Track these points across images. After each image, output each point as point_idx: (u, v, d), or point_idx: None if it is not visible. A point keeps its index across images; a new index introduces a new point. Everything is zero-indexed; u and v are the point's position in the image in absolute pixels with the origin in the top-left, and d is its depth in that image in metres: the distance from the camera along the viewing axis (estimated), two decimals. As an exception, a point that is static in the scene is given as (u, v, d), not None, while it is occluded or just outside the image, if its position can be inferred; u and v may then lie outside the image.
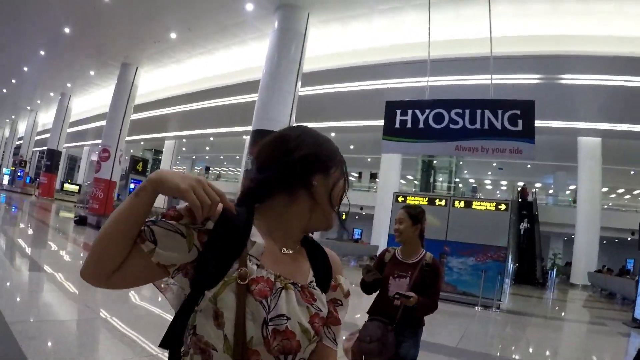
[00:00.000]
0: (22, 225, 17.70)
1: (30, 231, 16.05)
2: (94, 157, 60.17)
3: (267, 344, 1.09)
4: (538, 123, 18.21)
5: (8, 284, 7.52)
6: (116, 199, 26.22)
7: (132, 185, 19.90)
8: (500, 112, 10.60)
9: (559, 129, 21.46)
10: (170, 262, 1.13)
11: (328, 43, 19.27)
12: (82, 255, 12.51)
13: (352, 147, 34.73)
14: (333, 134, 27.24)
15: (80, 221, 19.86)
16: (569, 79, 17.34)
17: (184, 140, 43.61)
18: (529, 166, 31.79)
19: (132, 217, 1.09)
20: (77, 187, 49.15)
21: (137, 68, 26.05)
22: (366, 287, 3.62)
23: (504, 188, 40.79)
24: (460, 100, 11.32)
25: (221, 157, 51.50)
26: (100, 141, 45.84)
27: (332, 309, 1.28)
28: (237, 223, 1.19)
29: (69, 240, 15.10)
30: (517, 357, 8.11)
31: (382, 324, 3.40)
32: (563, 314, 15.33)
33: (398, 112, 11.52)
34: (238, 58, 22.98)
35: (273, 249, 1.24)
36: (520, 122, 10.48)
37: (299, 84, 15.94)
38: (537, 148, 20.71)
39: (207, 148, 47.00)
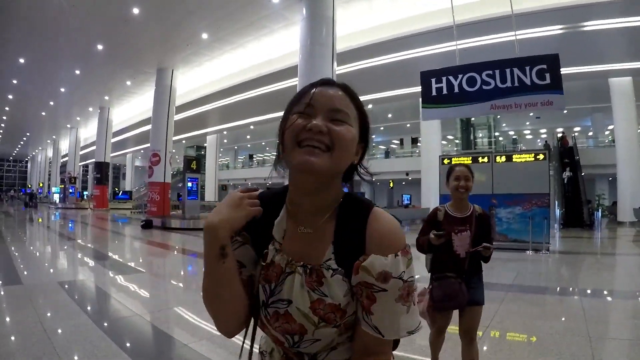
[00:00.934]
0: (99, 236, 18.49)
1: (109, 240, 16.94)
2: (138, 163, 62.01)
3: (269, 323, 1.17)
4: (567, 70, 19.31)
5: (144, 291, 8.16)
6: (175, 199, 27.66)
7: (189, 184, 21.00)
8: (527, 68, 11.60)
9: (589, 73, 22.02)
10: (253, 266, 1.25)
11: (357, 21, 20.42)
12: (165, 253, 13.76)
13: (390, 115, 35.78)
14: (370, 106, 28.47)
15: (147, 225, 20.76)
16: (592, 25, 18.03)
17: (224, 132, 44.64)
18: (565, 112, 31.68)
19: (223, 282, 1.13)
20: (129, 194, 50.77)
21: (172, 71, 27.20)
22: (430, 248, 3.65)
23: (544, 136, 40.68)
24: (489, 62, 12.24)
25: (263, 144, 52.34)
26: (142, 147, 47.90)
27: (363, 295, 1.13)
28: (269, 208, 1.25)
29: (148, 243, 15.82)
30: (566, 287, 8.95)
31: (453, 279, 3.56)
32: (608, 249, 16.01)
33: (433, 80, 12.58)
34: (269, 48, 24.10)
35: (293, 229, 1.24)
36: (547, 75, 11.50)
37: (335, 64, 16.96)
38: (570, 93, 21.76)
39: (248, 137, 47.85)
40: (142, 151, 55.20)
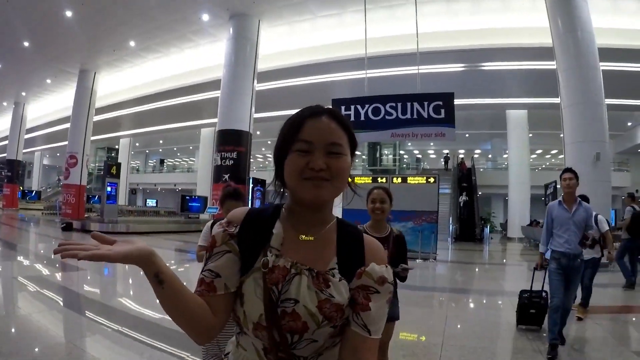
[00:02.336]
0: (20, 237, 18.55)
1: (32, 243, 16.97)
2: (47, 161, 60.21)
3: (277, 323, 1.21)
4: (469, 101, 21.80)
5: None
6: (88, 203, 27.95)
7: (108, 188, 21.54)
8: (426, 103, 13.59)
9: (488, 104, 24.95)
10: (238, 281, 1.27)
11: (278, 44, 22.14)
12: None
13: None
14: (282, 121, 29.69)
15: (67, 227, 20.91)
16: (490, 65, 20.91)
17: (137, 137, 44.44)
18: (467, 135, 34.93)
19: (172, 303, 1.17)
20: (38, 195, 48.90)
21: (95, 74, 27.70)
22: None
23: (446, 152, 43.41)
24: (393, 95, 14.21)
25: (175, 149, 52.05)
26: (53, 145, 46.87)
27: (360, 295, 1.25)
28: (259, 220, 1.34)
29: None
30: (440, 286, 11.20)
31: None
32: (485, 259, 18.57)
33: (343, 107, 14.29)
34: (192, 60, 25.45)
35: (294, 237, 1.32)
36: (442, 110, 13.53)
37: (255, 82, 18.58)
38: (472, 119, 24.64)
39: (161, 141, 47.62)
40: (49, 151, 53.70)
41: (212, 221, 3.89)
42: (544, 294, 6.23)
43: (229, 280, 1.26)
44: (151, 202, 45.93)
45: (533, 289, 6.38)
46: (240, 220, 1.34)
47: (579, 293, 6.86)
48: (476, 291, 10.55)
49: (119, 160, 41.57)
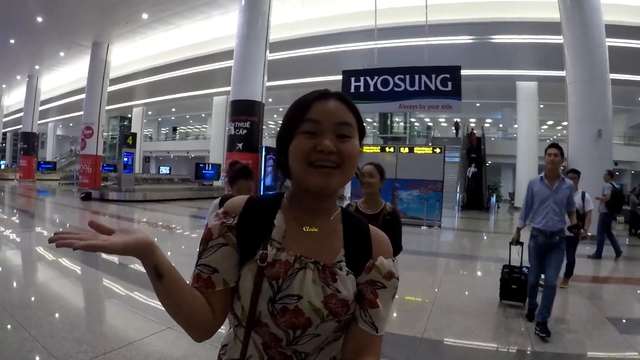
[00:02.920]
0: (44, 209, 18.65)
1: (57, 214, 17.01)
2: (60, 132, 60.90)
3: (274, 319, 1.16)
4: (478, 72, 22.17)
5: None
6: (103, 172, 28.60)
7: (125, 158, 22.08)
8: (433, 76, 14.06)
9: (498, 75, 25.27)
10: (236, 275, 1.22)
11: (290, 14, 22.75)
12: (128, 224, 14.81)
13: None
14: (293, 89, 30.38)
15: (86, 197, 21.11)
16: (499, 38, 21.32)
17: (150, 105, 44.82)
18: (477, 105, 35.57)
19: (170, 298, 1.13)
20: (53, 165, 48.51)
21: (108, 46, 28.18)
22: None
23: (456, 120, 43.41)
24: (401, 67, 14.67)
25: (187, 117, 52.60)
26: (66, 116, 47.45)
27: (368, 291, 1.23)
28: (259, 211, 1.28)
29: (102, 214, 16.24)
30: (445, 251, 11.63)
31: None
32: (490, 227, 19.33)
33: (353, 79, 14.86)
34: (204, 31, 26.02)
35: (296, 228, 1.27)
36: (449, 83, 14.00)
37: (267, 52, 18.94)
38: (483, 89, 25.06)
39: (174, 109, 48.06)
40: (62, 121, 54.22)
41: (220, 198, 3.71)
42: (524, 269, 6.26)
43: (227, 275, 1.22)
44: (164, 170, 46.81)
45: (516, 264, 6.46)
46: (239, 211, 1.28)
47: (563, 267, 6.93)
48: (474, 257, 11.20)
49: (132, 129, 42.17)
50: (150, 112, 46.26)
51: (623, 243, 14.34)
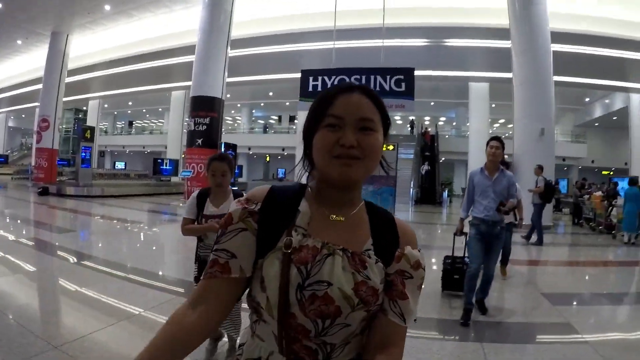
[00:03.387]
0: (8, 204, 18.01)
1: (15, 210, 16.36)
2: (12, 123, 59.30)
3: (303, 308, 1.14)
4: (434, 72, 23.12)
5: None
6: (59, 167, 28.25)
7: (83, 153, 21.94)
8: (388, 77, 14.71)
9: (452, 77, 26.22)
10: (252, 263, 1.21)
11: (252, 11, 23.30)
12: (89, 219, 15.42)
13: (270, 93, 38.21)
14: (252, 85, 31.47)
15: (44, 192, 20.87)
16: (453, 42, 22.69)
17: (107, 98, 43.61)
18: (432, 103, 37.46)
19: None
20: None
21: (67, 36, 27.84)
22: None
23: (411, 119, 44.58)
24: (357, 68, 15.35)
25: (144, 111, 52.14)
26: (19, 107, 46.43)
27: (398, 281, 1.23)
28: (283, 199, 1.28)
29: (62, 210, 16.15)
30: None
31: None
32: (440, 219, 20.41)
33: (310, 78, 15.41)
34: (164, 25, 26.37)
35: (323, 217, 1.27)
36: (403, 84, 14.67)
37: (229, 49, 19.47)
38: (438, 89, 26.21)
39: (130, 103, 47.33)
40: (14, 112, 52.81)
41: (197, 192, 3.82)
42: (466, 259, 6.35)
43: (244, 262, 1.21)
44: (120, 165, 45.79)
45: (458, 255, 6.64)
46: (262, 198, 1.28)
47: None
48: (423, 248, 12.03)
49: (87, 122, 40.80)
50: (106, 105, 44.98)
51: (567, 232, 16.50)
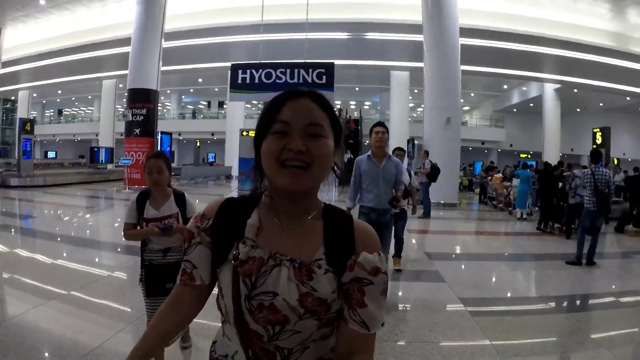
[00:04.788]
0: None
1: None
2: None
3: (253, 315, 1.17)
4: (357, 62, 25.05)
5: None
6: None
7: (24, 144, 22.32)
8: (310, 70, 16.17)
9: (374, 66, 28.18)
10: (210, 274, 1.30)
11: (185, 4, 24.79)
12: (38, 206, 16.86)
13: (200, 80, 39.23)
14: (183, 74, 33.06)
15: None
16: (372, 36, 24.95)
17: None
18: (357, 89, 39.98)
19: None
20: None
21: (0, 29, 28.49)
22: None
23: (337, 107, 45.94)
24: (283, 62, 16.90)
25: (73, 99, 51.00)
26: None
27: (354, 290, 1.21)
28: (235, 211, 1.31)
29: (12, 200, 16.64)
30: None
31: None
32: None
33: (240, 71, 16.68)
34: (97, 18, 27.38)
35: (274, 226, 1.28)
36: (324, 77, 16.10)
37: (163, 41, 20.78)
38: (362, 76, 30.01)
39: (60, 91, 46.45)
40: None
41: (137, 194, 3.67)
42: None
43: (202, 272, 1.29)
44: (51, 154, 45.02)
45: None
46: (214, 213, 1.32)
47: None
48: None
49: (18, 113, 41.82)
50: (35, 95, 44.99)
51: (470, 209, 19.12)
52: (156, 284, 3.41)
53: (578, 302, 6.44)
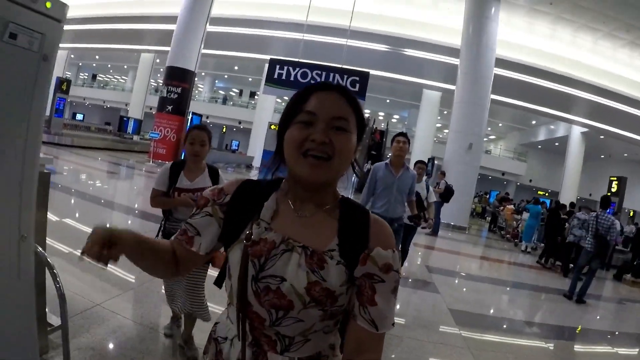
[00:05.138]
0: None
1: None
2: None
3: (258, 297, 1.19)
4: (392, 75, 25.50)
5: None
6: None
7: (57, 103, 22.72)
8: (346, 76, 16.51)
9: (407, 81, 28.54)
10: (211, 246, 1.33)
11: None
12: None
13: (236, 67, 39.80)
14: (220, 59, 34.06)
15: None
16: (410, 52, 25.49)
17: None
18: (388, 101, 40.20)
19: (142, 265, 1.30)
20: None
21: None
22: None
23: (366, 115, 46.04)
24: (320, 65, 17.45)
25: (109, 66, 51.52)
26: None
27: (366, 286, 1.21)
28: (253, 192, 1.33)
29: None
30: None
31: None
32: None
33: (277, 66, 17.07)
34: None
35: (290, 212, 1.29)
36: (357, 85, 16.37)
37: (207, 26, 21.34)
38: (395, 88, 29.91)
39: (97, 57, 46.76)
40: None
41: (170, 163, 3.70)
42: None
43: (203, 242, 1.32)
44: (79, 116, 45.84)
45: None
46: (233, 191, 1.33)
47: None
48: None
49: (53, 72, 41.78)
50: (72, 56, 45.20)
51: (478, 235, 19.70)
52: None
53: (553, 331, 6.87)
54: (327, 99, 1.24)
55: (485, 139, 47.62)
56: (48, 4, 2.17)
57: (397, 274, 1.24)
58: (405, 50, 25.26)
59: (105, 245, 1.12)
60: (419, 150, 28.92)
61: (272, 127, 18.43)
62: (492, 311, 7.26)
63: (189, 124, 19.99)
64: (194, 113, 21.01)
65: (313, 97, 1.24)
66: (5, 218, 2.22)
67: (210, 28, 22.77)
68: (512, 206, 20.62)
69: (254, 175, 26.51)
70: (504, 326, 6.50)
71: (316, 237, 1.25)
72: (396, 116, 46.88)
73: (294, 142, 1.21)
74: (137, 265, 1.27)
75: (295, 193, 1.31)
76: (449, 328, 5.68)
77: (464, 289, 8.43)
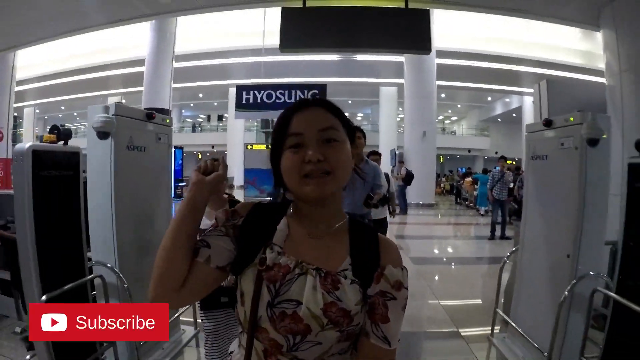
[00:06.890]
0: None
1: None
2: None
3: (274, 323, 1.20)
4: (350, 79, 27.97)
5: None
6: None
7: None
8: (306, 90, 18.37)
9: (365, 82, 30.91)
10: (224, 261, 1.31)
11: (193, 30, 26.84)
12: None
13: (201, 95, 41.89)
14: (188, 90, 35.68)
15: None
16: (360, 57, 27.43)
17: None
18: (350, 102, 42.00)
19: (182, 228, 1.30)
20: None
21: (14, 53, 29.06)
22: None
23: None
24: (282, 84, 19.79)
25: (75, 114, 51.95)
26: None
27: (379, 303, 1.25)
28: (265, 216, 1.37)
29: None
30: None
31: None
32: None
33: (244, 93, 18.88)
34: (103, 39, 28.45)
35: (301, 235, 1.34)
36: (318, 96, 17.97)
37: (174, 63, 22.87)
38: (355, 90, 34.26)
39: (63, 107, 47.61)
40: None
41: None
42: None
43: (214, 252, 1.30)
44: None
45: None
46: (246, 213, 1.37)
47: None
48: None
49: (23, 128, 42.96)
50: (38, 111, 46.11)
51: (445, 207, 22.71)
52: (210, 296, 2.86)
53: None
54: (308, 115, 1.33)
55: (447, 122, 51.18)
56: (167, 120, 4.87)
57: (407, 291, 1.32)
58: (355, 56, 27.18)
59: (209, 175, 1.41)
60: (385, 143, 31.04)
61: (249, 147, 19.84)
62: (438, 253, 9.92)
63: (172, 158, 21.68)
64: (176, 147, 22.63)
65: (295, 118, 1.33)
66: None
67: (176, 64, 23.93)
68: (469, 179, 23.35)
69: (237, 193, 27.91)
70: (449, 262, 9.09)
71: (328, 258, 1.32)
72: (360, 114, 49.00)
73: (292, 170, 1.28)
74: (175, 233, 1.31)
75: (304, 214, 1.39)
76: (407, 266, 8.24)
77: (423, 244, 11.04)
